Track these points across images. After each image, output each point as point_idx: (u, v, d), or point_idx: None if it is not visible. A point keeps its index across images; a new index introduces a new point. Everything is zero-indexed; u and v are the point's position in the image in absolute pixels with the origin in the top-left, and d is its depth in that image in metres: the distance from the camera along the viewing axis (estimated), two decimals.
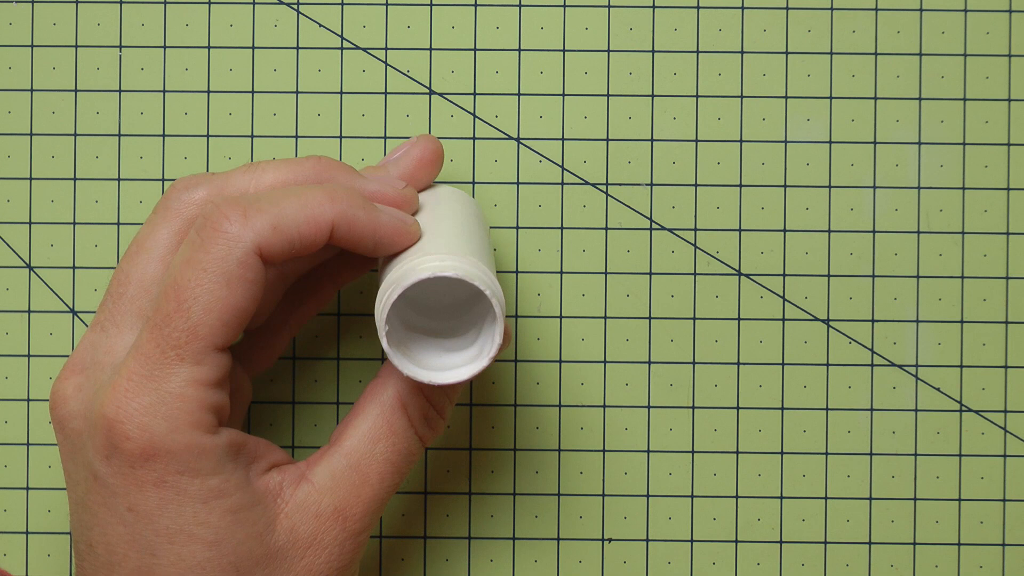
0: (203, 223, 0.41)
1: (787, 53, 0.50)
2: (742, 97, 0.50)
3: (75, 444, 0.41)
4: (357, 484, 0.42)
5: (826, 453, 0.50)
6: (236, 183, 0.43)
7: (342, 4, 0.50)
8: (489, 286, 0.40)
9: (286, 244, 0.41)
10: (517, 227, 0.50)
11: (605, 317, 0.50)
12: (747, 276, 0.50)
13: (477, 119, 0.50)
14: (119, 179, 0.50)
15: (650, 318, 0.50)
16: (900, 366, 0.50)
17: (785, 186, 0.50)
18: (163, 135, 0.50)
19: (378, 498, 0.42)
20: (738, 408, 0.50)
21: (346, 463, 0.42)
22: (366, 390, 0.44)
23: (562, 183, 0.50)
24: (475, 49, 0.50)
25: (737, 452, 0.50)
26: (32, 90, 0.50)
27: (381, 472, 0.42)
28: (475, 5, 0.50)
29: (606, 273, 0.50)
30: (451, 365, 0.41)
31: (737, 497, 0.50)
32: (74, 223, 0.50)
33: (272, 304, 0.46)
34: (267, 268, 0.41)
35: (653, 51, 0.50)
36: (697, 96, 0.50)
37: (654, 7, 0.50)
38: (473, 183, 0.50)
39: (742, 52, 0.50)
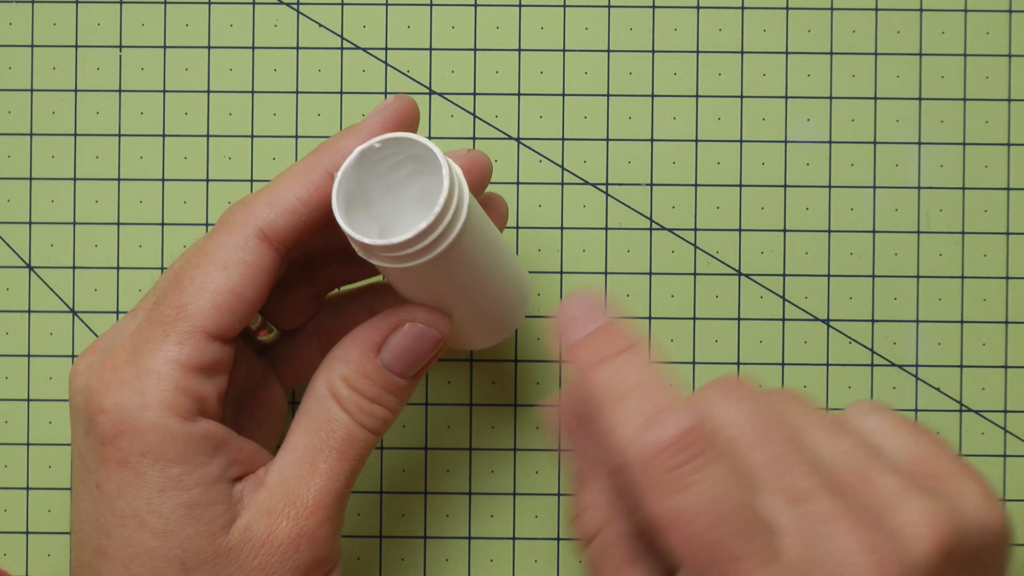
0: (217, 222, 0.42)
1: (787, 53, 0.50)
2: (742, 97, 0.50)
3: (74, 420, 0.42)
4: (305, 476, 0.41)
5: None
6: None
7: (342, 4, 0.50)
8: (450, 174, 0.39)
9: (288, 214, 0.41)
10: (517, 227, 0.50)
11: None
12: (747, 276, 0.50)
13: (477, 119, 0.50)
14: (119, 179, 0.50)
15: (650, 318, 0.50)
16: (900, 366, 0.50)
17: (785, 186, 0.50)
18: (163, 135, 0.50)
19: (329, 489, 0.41)
20: None
21: (293, 457, 0.42)
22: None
23: (562, 183, 0.50)
24: (475, 49, 0.50)
25: None
26: (32, 90, 0.50)
27: (328, 460, 0.41)
28: (475, 5, 0.50)
29: (606, 273, 0.50)
30: (371, 233, 0.41)
31: None
32: (74, 223, 0.50)
33: (301, 308, 0.46)
34: (275, 251, 0.41)
35: (653, 51, 0.50)
36: (697, 96, 0.50)
37: (654, 7, 0.50)
38: None
39: (742, 52, 0.50)
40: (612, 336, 0.39)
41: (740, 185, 0.50)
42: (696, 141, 0.50)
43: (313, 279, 0.46)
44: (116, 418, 0.40)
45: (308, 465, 0.41)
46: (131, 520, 0.40)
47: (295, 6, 0.50)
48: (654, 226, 0.50)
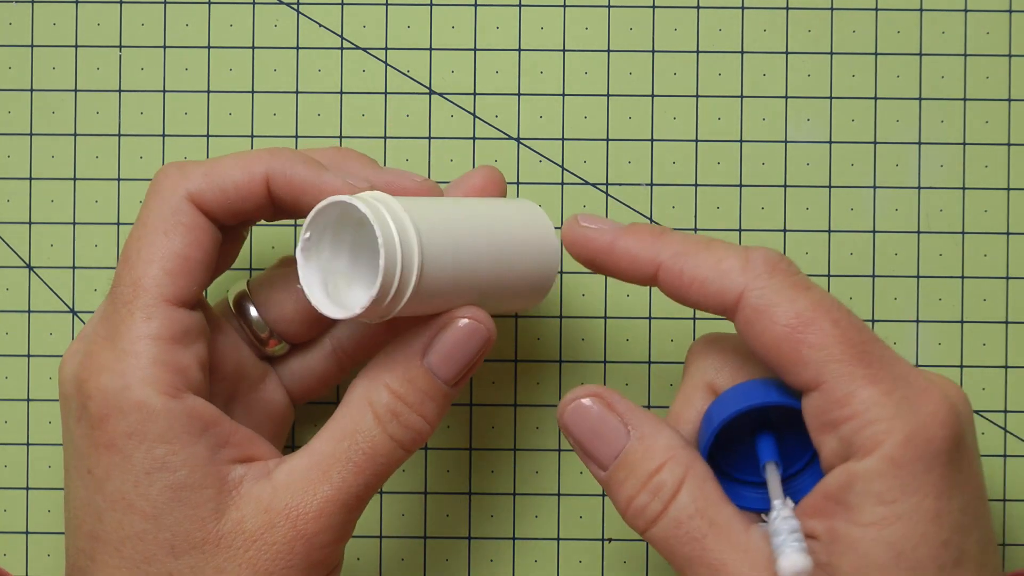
0: (149, 185, 0.42)
1: (787, 53, 0.50)
2: (742, 97, 0.50)
3: (64, 408, 0.42)
4: (315, 482, 0.41)
5: None
6: None
7: (342, 4, 0.50)
8: (382, 226, 0.38)
9: (219, 191, 0.41)
10: None
11: (605, 317, 0.50)
12: None
13: (477, 119, 0.50)
14: (119, 179, 0.50)
15: (650, 318, 0.50)
16: None
17: (785, 186, 0.50)
18: (163, 135, 0.50)
19: (337, 499, 0.41)
20: None
21: (308, 461, 0.41)
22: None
23: (562, 183, 0.50)
24: (475, 49, 0.50)
25: None
26: (32, 90, 0.50)
27: (342, 472, 0.41)
28: (475, 5, 0.50)
29: None
30: (341, 301, 0.40)
31: None
32: (74, 223, 0.50)
33: (310, 322, 0.45)
34: (207, 216, 0.41)
35: (653, 51, 0.50)
36: (697, 96, 0.50)
37: (654, 7, 0.50)
38: None
39: (742, 52, 0.50)
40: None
41: (740, 185, 0.50)
42: (696, 141, 0.50)
43: None
44: (101, 401, 0.40)
45: (320, 472, 0.41)
46: (120, 503, 0.40)
47: (295, 6, 0.50)
48: None
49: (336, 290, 0.40)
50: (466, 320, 0.41)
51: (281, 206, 0.42)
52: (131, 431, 0.40)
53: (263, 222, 0.48)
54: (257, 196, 0.42)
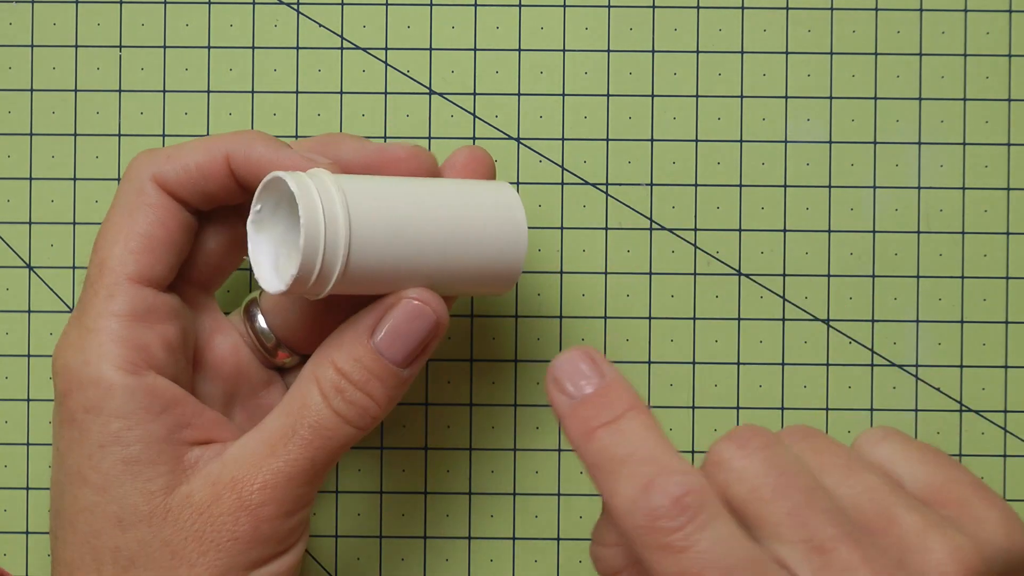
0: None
1: (787, 53, 0.50)
2: (742, 97, 0.50)
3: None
4: (262, 455, 0.41)
5: None
6: None
7: (342, 4, 0.50)
8: (305, 202, 0.38)
9: (181, 170, 0.42)
10: None
11: (605, 317, 0.50)
12: (747, 276, 0.50)
13: (477, 119, 0.50)
14: (119, 179, 0.50)
15: (650, 318, 0.50)
16: (900, 366, 0.50)
17: (785, 186, 0.50)
18: (163, 135, 0.50)
19: (283, 471, 0.41)
20: (738, 408, 0.50)
21: (258, 437, 0.41)
22: None
23: (562, 183, 0.50)
24: (475, 49, 0.50)
25: None
26: (32, 90, 0.50)
27: (288, 445, 0.41)
28: (475, 5, 0.50)
29: (606, 273, 0.50)
30: (281, 271, 0.40)
31: None
32: (74, 223, 0.50)
33: (317, 333, 0.45)
34: (173, 197, 0.42)
35: (653, 51, 0.50)
36: (697, 96, 0.50)
37: (654, 7, 0.50)
38: None
39: (742, 52, 0.50)
40: (606, 400, 0.37)
41: (740, 185, 0.50)
42: (696, 141, 0.50)
43: (326, 303, 0.45)
44: (64, 378, 0.41)
45: (268, 446, 0.41)
46: (76, 477, 0.40)
47: (295, 6, 0.50)
48: (654, 226, 0.50)
49: (291, 264, 0.40)
50: (413, 301, 0.41)
51: (247, 187, 0.42)
52: (89, 405, 0.40)
53: None
54: (220, 175, 0.42)
